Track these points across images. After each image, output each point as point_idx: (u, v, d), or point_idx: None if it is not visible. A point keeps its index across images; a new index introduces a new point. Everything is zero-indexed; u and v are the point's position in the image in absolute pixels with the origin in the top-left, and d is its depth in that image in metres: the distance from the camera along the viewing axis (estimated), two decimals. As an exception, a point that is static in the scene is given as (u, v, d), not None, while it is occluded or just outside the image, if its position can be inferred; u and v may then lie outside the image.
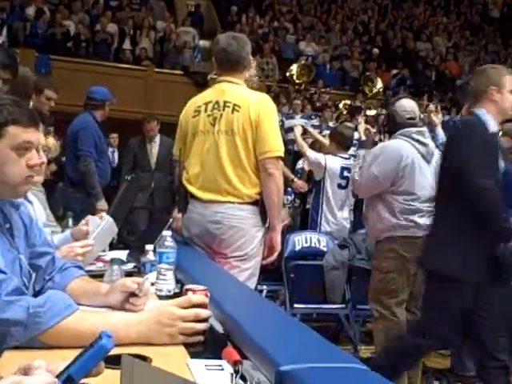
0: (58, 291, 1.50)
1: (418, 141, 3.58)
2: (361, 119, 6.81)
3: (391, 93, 11.93)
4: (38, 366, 0.86)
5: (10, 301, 1.33)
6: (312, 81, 12.09)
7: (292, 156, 7.13)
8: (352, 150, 5.64)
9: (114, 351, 1.02)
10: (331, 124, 8.50)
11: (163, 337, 1.45)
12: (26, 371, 0.87)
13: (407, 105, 3.71)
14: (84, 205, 4.67)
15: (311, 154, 5.17)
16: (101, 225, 2.37)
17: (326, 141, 5.71)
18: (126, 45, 11.91)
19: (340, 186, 5.00)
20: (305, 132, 5.96)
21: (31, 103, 4.02)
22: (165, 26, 12.52)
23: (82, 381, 0.89)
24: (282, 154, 2.91)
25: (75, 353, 0.90)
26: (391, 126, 3.72)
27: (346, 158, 5.08)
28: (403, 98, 3.87)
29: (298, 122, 8.27)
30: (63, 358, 0.92)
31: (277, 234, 2.98)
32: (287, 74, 11.89)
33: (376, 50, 13.95)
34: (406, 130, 3.60)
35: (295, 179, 5.81)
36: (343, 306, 4.47)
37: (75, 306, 1.43)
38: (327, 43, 13.91)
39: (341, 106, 10.62)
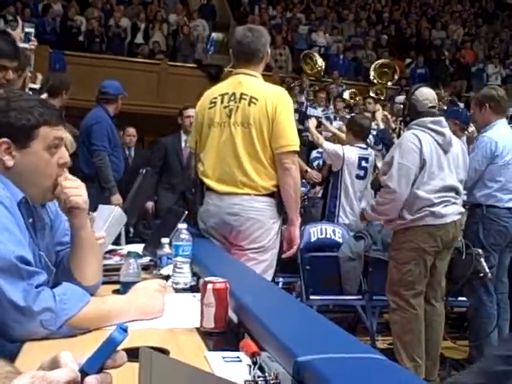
0: (69, 284, 1.58)
1: (434, 130, 3.51)
2: (379, 107, 6.75)
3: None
4: (66, 359, 0.86)
5: (40, 291, 1.44)
6: (325, 71, 12.04)
7: (306, 147, 7.09)
8: (370, 140, 5.61)
9: (133, 345, 1.03)
10: (345, 115, 8.45)
11: (158, 302, 1.65)
12: (54, 364, 0.87)
13: (428, 93, 3.63)
14: (98, 199, 4.69)
15: (328, 145, 5.15)
16: (110, 216, 2.39)
17: (341, 133, 5.68)
18: (139, 39, 11.93)
19: (358, 177, 4.97)
20: (319, 125, 5.91)
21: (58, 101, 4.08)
22: (177, 20, 12.51)
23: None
24: (298, 149, 2.91)
25: (92, 344, 0.90)
26: (412, 115, 3.63)
27: (364, 148, 5.05)
28: (423, 86, 3.76)
29: (320, 114, 8.28)
30: (81, 350, 0.92)
31: (295, 228, 2.99)
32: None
33: (385, 37, 13.83)
34: (422, 120, 3.52)
35: (308, 170, 5.79)
36: (360, 297, 4.45)
37: (89, 294, 1.56)
38: (340, 33, 13.83)
39: (347, 95, 10.54)
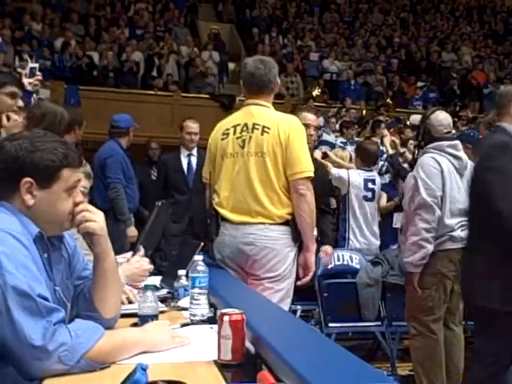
0: (81, 320, 1.61)
1: (451, 154, 3.50)
2: (386, 132, 6.78)
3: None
4: None
5: (57, 328, 1.46)
6: (336, 97, 12.10)
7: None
8: (380, 165, 5.63)
9: (152, 379, 1.04)
10: (356, 140, 8.47)
11: (167, 338, 1.67)
12: None
13: (443, 118, 3.60)
14: (114, 232, 4.71)
15: (334, 170, 5.23)
16: None
17: (345, 163, 5.73)
18: (152, 72, 12.08)
19: (366, 199, 5.00)
20: (325, 156, 5.98)
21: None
22: (189, 52, 12.69)
23: None
24: (313, 175, 2.93)
25: (110, 380, 0.91)
26: (427, 140, 3.60)
27: (369, 171, 5.10)
28: (438, 110, 3.72)
29: (331, 139, 8.35)
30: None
31: (311, 255, 2.99)
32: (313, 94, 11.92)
33: (395, 61, 13.90)
34: (438, 143, 3.51)
35: None
36: (379, 323, 4.42)
37: (102, 328, 1.56)
38: (351, 59, 13.92)
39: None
